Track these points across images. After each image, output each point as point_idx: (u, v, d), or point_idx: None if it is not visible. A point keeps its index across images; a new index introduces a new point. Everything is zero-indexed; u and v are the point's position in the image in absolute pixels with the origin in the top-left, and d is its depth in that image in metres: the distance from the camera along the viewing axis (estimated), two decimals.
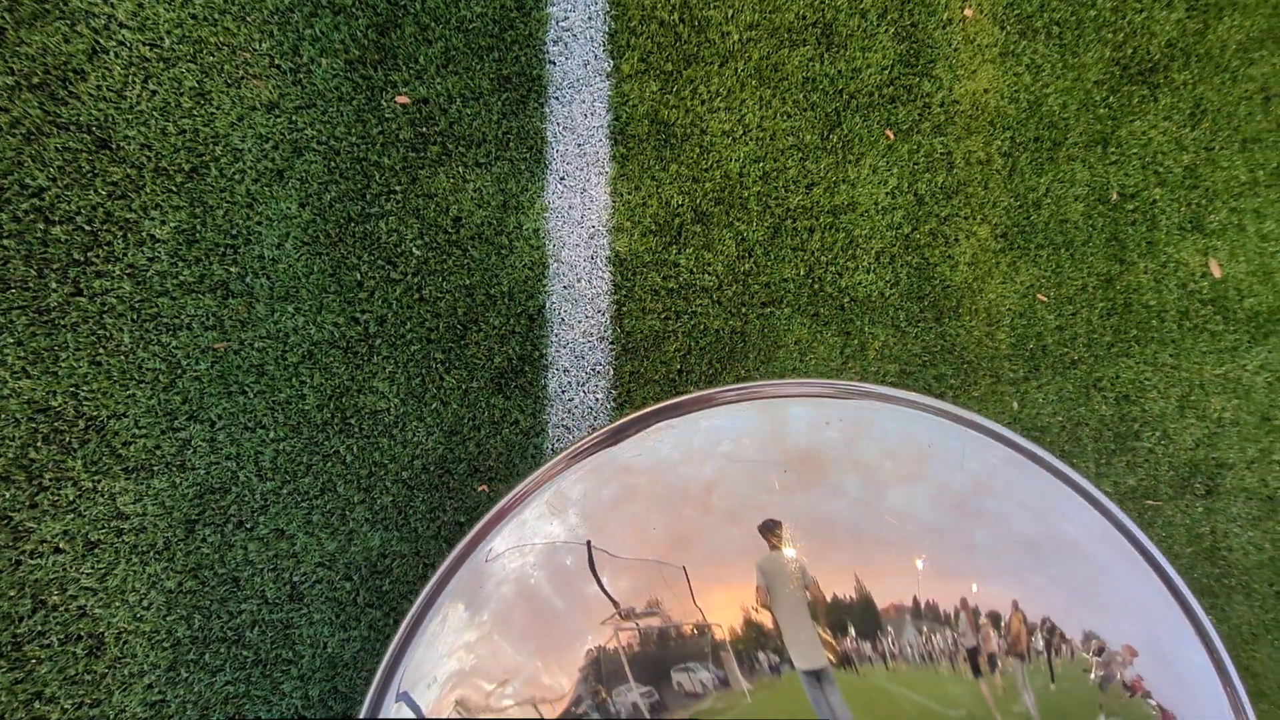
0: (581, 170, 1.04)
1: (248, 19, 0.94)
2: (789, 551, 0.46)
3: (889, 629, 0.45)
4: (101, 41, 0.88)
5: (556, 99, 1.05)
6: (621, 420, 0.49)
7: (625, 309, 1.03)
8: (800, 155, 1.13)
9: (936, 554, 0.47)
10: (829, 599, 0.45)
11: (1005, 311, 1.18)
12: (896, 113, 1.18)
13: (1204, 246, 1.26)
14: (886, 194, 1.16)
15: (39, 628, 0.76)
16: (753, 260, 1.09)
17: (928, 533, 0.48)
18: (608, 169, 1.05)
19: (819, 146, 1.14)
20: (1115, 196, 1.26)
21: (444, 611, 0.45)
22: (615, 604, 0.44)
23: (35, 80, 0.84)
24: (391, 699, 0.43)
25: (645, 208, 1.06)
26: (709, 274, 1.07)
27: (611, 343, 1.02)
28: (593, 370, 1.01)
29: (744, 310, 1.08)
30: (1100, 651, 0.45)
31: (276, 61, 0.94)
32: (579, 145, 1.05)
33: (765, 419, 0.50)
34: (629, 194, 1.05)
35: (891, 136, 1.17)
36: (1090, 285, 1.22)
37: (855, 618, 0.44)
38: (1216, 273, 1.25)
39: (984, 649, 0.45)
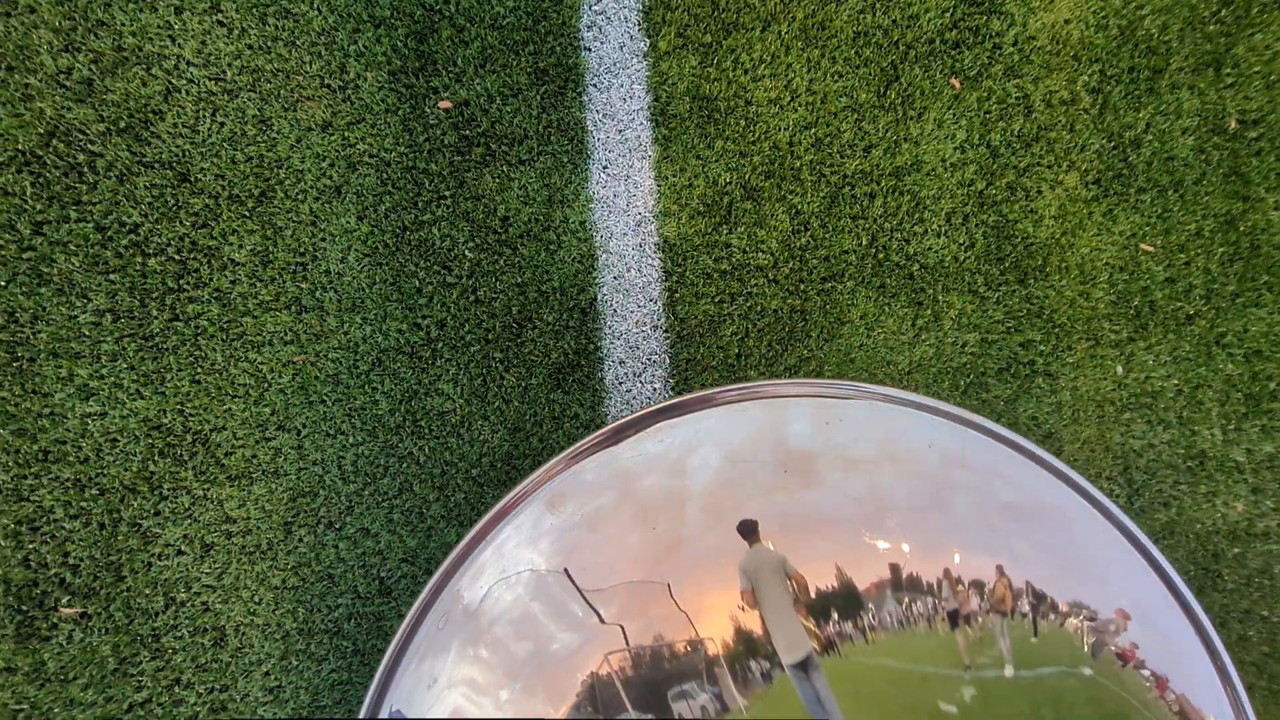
0: (624, 157, 1.02)
1: (297, 43, 0.97)
2: (769, 545, 0.45)
3: (870, 606, 0.45)
4: (174, 81, 0.93)
5: (594, 86, 1.02)
6: (622, 420, 0.50)
7: (678, 295, 1.00)
8: (855, 116, 1.05)
9: (922, 536, 0.47)
10: (813, 592, 0.45)
11: (1102, 266, 1.05)
12: (962, 58, 1.07)
13: None
14: (955, 149, 1.06)
15: (172, 622, 0.85)
16: (809, 234, 1.03)
17: (915, 520, 0.47)
18: (651, 152, 1.02)
19: (875, 105, 1.05)
20: (1234, 125, 1.09)
21: (438, 639, 0.45)
22: (600, 617, 0.44)
23: (122, 124, 0.91)
24: (387, 711, 0.43)
25: (692, 189, 1.02)
26: (763, 252, 1.02)
27: (666, 331, 1.00)
28: (649, 360, 1.00)
29: (803, 288, 1.02)
30: (1093, 619, 0.45)
31: (326, 81, 0.97)
32: (620, 131, 1.02)
33: (765, 419, 0.50)
34: (674, 176, 1.02)
35: (958, 85, 1.06)
36: (1206, 229, 1.07)
37: (839, 604, 0.44)
38: None
39: (964, 609, 0.45)
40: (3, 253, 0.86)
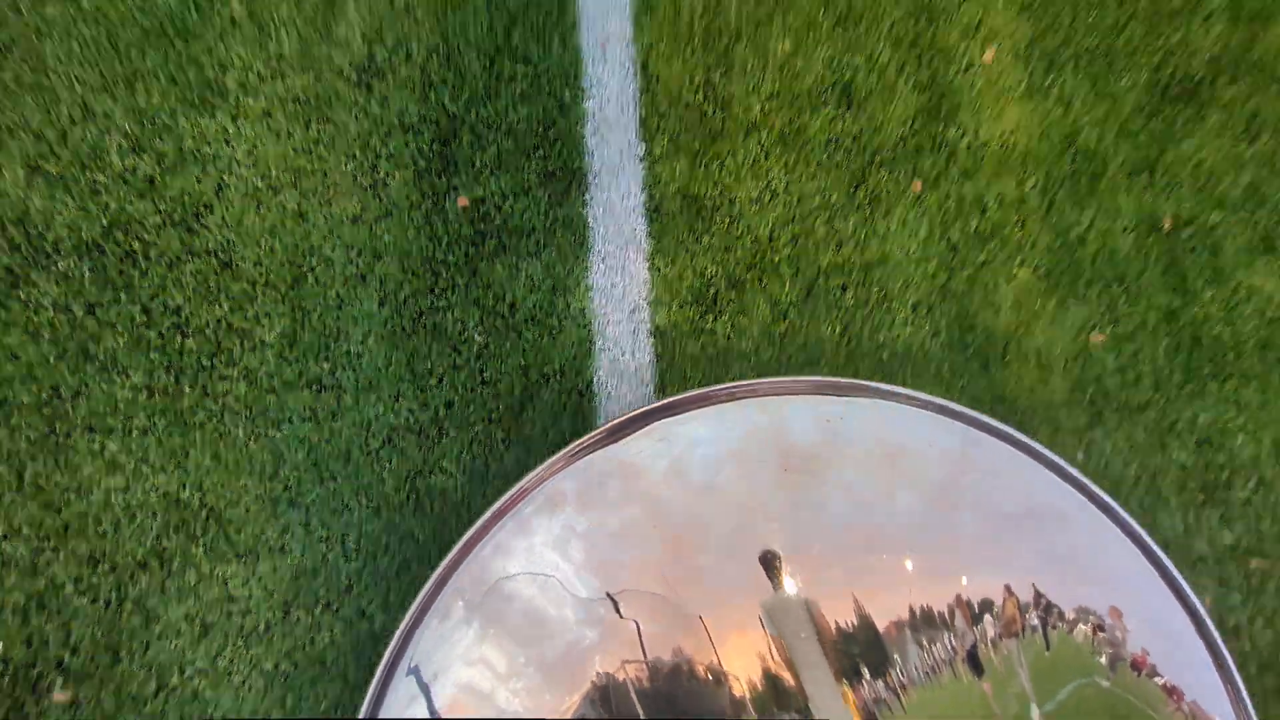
0: (621, 249, 1.13)
1: (335, 146, 1.10)
2: (790, 588, 0.45)
3: (894, 656, 0.45)
4: (225, 179, 1.05)
5: (596, 185, 1.15)
6: (619, 419, 0.50)
7: (668, 379, 1.08)
8: (828, 214, 1.17)
9: (926, 551, 0.47)
10: (834, 630, 0.44)
11: (1057, 355, 1.14)
12: (923, 163, 1.21)
13: None
14: (918, 245, 1.17)
15: (159, 710, 0.85)
16: (787, 322, 1.12)
17: (918, 528, 0.48)
18: (645, 246, 1.13)
19: (846, 204, 1.18)
20: (1168, 224, 1.21)
21: (454, 615, 0.45)
22: (619, 611, 0.44)
23: (176, 217, 1.02)
24: (401, 676, 0.43)
25: (681, 280, 1.12)
26: (746, 339, 1.11)
27: None
28: None
29: (781, 373, 1.10)
30: (1100, 626, 0.45)
31: (359, 180, 1.09)
32: (617, 226, 1.14)
33: (764, 417, 0.51)
34: (665, 268, 1.12)
35: (919, 187, 1.20)
36: (1151, 321, 1.17)
37: (862, 650, 0.44)
38: None
39: (981, 641, 0.45)
40: (56, 332, 0.95)
